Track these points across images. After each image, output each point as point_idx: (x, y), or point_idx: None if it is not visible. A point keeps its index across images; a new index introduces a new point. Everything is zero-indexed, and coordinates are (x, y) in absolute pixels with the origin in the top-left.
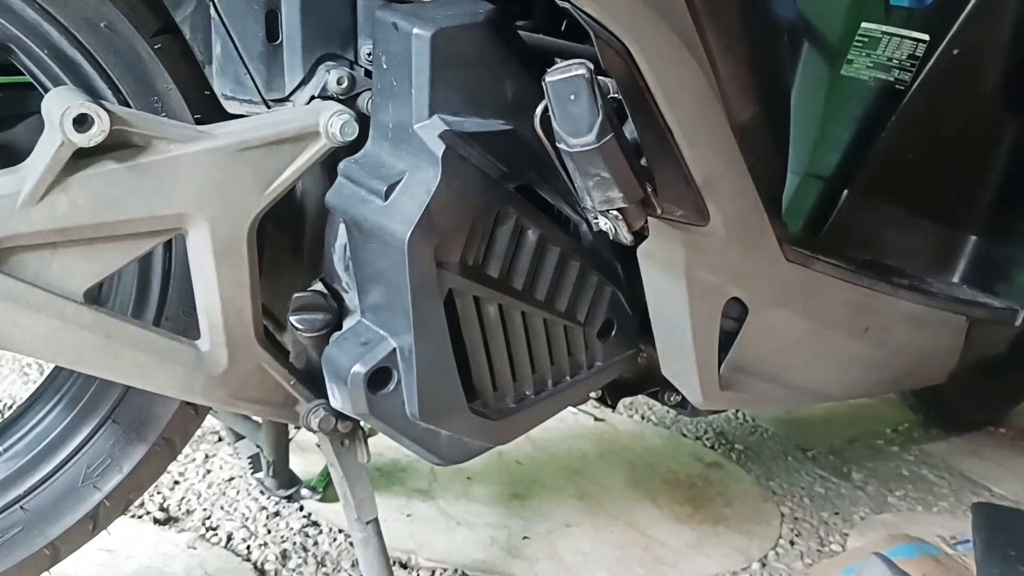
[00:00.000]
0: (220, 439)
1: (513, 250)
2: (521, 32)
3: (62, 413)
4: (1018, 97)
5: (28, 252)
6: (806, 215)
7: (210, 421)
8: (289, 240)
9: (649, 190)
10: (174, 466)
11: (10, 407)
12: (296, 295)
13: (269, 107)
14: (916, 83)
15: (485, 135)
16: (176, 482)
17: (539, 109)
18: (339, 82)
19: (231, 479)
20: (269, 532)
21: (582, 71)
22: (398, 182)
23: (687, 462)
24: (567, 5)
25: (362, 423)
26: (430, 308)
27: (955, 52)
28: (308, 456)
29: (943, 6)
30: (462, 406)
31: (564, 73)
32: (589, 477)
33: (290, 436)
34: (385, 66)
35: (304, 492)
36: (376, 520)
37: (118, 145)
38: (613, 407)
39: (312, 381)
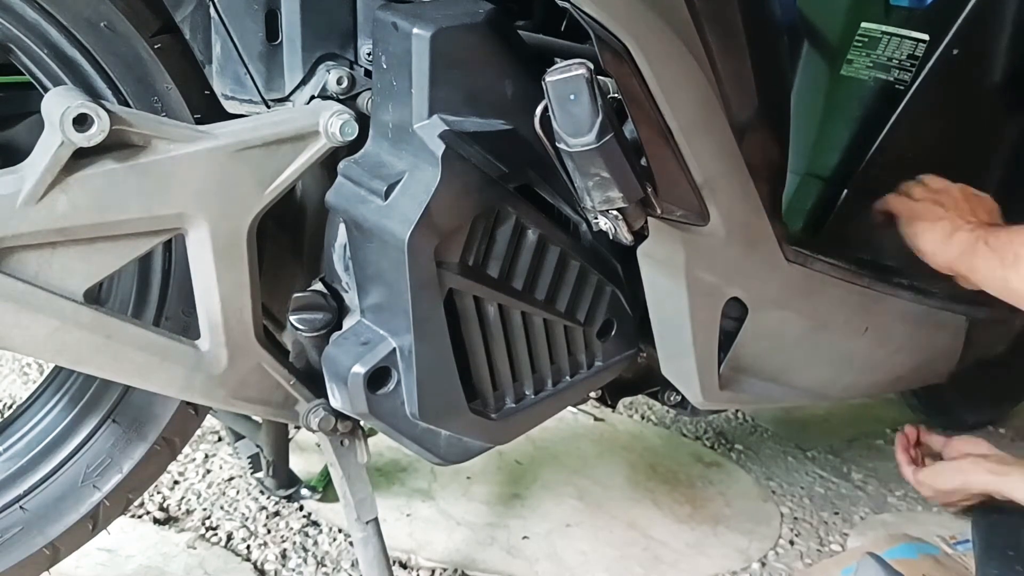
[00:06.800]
0: (220, 439)
1: (513, 250)
2: (521, 32)
3: (62, 413)
4: (1018, 97)
5: (28, 252)
6: (806, 215)
7: (210, 421)
8: (289, 240)
9: (649, 190)
10: (174, 466)
11: (10, 407)
12: (296, 295)
13: (269, 107)
14: (916, 83)
15: (485, 135)
16: (176, 482)
17: (539, 109)
18: (339, 82)
19: (231, 479)
20: (269, 532)
21: (582, 71)
22: (398, 182)
23: (687, 462)
24: (567, 5)
25: (362, 423)
26: (430, 308)
27: (955, 52)
28: (308, 456)
29: (943, 6)
30: (462, 406)
31: (564, 73)
32: (589, 477)
33: (290, 436)
34: (385, 66)
35: (304, 492)
36: (376, 520)
37: (118, 145)
38: (613, 407)
39: (312, 381)
